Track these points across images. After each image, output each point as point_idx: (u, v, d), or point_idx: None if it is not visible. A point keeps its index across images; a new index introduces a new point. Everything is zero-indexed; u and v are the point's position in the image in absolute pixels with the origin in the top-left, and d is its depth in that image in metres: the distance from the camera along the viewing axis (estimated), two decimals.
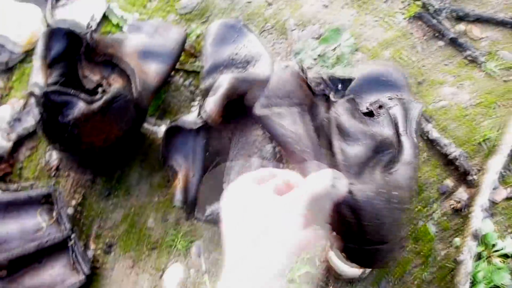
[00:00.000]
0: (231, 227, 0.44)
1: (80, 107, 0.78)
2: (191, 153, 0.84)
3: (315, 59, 1.07)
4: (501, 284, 0.88)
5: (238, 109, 0.84)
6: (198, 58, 1.07)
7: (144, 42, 0.95)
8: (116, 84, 0.86)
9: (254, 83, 0.84)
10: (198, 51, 1.07)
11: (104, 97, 0.80)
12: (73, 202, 0.92)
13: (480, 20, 1.20)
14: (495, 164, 0.98)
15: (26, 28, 1.08)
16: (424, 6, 1.21)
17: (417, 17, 1.18)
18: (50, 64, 0.82)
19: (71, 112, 0.76)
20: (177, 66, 1.05)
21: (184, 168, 0.83)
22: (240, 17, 1.11)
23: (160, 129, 0.98)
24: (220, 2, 1.12)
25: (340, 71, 1.06)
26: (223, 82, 0.84)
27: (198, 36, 1.08)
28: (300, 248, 0.43)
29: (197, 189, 0.82)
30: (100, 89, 0.84)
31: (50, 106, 0.77)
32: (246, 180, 0.46)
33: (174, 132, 0.85)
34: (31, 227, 0.88)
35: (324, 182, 0.45)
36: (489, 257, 0.91)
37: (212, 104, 0.81)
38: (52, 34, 0.83)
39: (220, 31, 0.96)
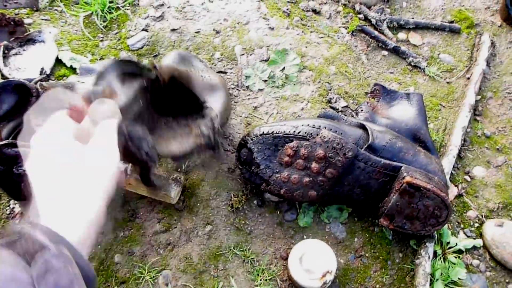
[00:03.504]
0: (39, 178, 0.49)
1: None
2: None
3: (265, 81, 1.11)
4: (458, 279, 0.93)
5: None
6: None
7: None
8: None
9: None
10: None
11: None
12: None
13: (419, 27, 1.27)
14: (445, 165, 1.03)
15: None
16: (365, 18, 1.26)
17: (360, 30, 1.24)
18: (1, 118, 0.85)
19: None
20: None
21: None
22: (190, 47, 1.15)
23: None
24: (169, 36, 1.16)
25: (289, 90, 1.11)
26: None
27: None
28: (108, 190, 0.51)
29: None
30: None
31: (5, 159, 0.80)
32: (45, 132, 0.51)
33: None
34: None
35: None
36: (444, 254, 0.95)
37: None
38: (1, 89, 0.85)
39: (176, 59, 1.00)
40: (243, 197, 0.98)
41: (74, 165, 0.49)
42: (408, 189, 0.84)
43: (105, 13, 1.18)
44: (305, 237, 0.96)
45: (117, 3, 1.20)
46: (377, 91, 1.07)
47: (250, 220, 0.97)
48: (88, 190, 0.48)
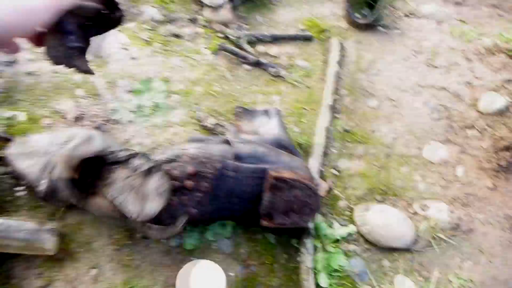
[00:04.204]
0: None
1: None
2: None
3: (133, 112, 1.11)
4: (339, 266, 1.01)
5: None
6: (12, 142, 1.04)
7: None
8: None
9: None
10: (12, 134, 1.05)
11: None
12: None
13: (276, 39, 1.36)
14: (313, 164, 1.12)
15: None
16: (225, 37, 1.32)
17: (221, 49, 1.29)
18: None
19: None
20: None
21: None
22: (50, 88, 1.11)
23: None
24: (24, 79, 1.11)
25: (159, 117, 1.12)
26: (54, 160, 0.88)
27: (8, 119, 1.06)
28: None
29: None
30: None
31: None
32: None
33: None
34: None
35: None
36: (324, 246, 1.03)
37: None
38: None
39: (19, 150, 0.97)
40: (126, 232, 0.97)
41: None
42: (276, 183, 0.90)
43: None
44: (192, 259, 0.97)
45: None
46: (240, 112, 1.13)
47: (136, 254, 0.96)
48: None
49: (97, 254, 0.95)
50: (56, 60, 0.67)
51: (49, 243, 0.92)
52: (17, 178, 1.00)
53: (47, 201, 0.96)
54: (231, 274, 0.97)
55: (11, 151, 0.94)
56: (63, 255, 0.94)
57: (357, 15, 1.41)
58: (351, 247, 1.05)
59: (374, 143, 1.20)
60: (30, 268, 0.93)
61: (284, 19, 1.41)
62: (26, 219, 0.97)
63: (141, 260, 0.96)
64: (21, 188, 1.01)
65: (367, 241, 1.07)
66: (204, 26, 1.33)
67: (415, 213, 1.12)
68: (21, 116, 1.08)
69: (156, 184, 0.89)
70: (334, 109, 1.25)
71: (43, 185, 0.91)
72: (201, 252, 0.99)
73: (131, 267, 0.95)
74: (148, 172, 0.90)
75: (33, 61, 1.15)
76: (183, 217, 0.92)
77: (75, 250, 0.95)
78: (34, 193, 0.98)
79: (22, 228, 0.91)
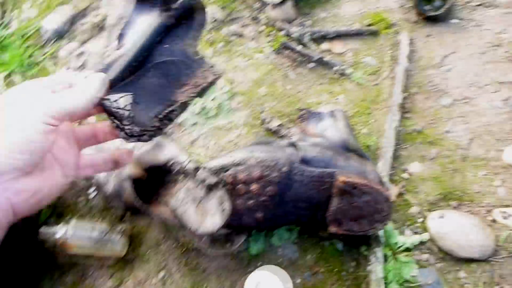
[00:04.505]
0: None
1: None
2: None
3: (197, 114, 1.12)
4: (410, 276, 0.96)
5: None
6: None
7: None
8: None
9: None
10: None
11: None
12: None
13: (340, 35, 1.30)
14: (382, 167, 1.07)
15: None
16: (288, 35, 1.29)
17: (284, 47, 1.26)
18: None
19: None
20: None
21: None
22: None
23: (63, 230, 0.97)
24: None
25: (222, 119, 1.11)
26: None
27: None
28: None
29: None
30: None
31: None
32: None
33: None
34: None
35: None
36: (395, 255, 0.98)
37: None
38: None
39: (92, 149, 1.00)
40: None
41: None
42: (346, 188, 0.87)
43: (25, 69, 1.15)
44: (259, 264, 0.96)
45: (36, 58, 1.18)
46: (304, 114, 1.10)
47: (202, 257, 0.97)
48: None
49: (165, 256, 0.96)
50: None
51: (120, 245, 0.94)
52: (88, 179, 1.04)
53: (113, 202, 0.98)
54: (297, 281, 0.95)
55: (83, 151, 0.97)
56: (132, 256, 0.96)
57: (427, 7, 1.32)
58: (424, 256, 0.99)
59: (447, 144, 1.13)
60: (102, 269, 0.96)
61: (349, 14, 1.35)
62: (98, 221, 1.01)
63: (207, 264, 0.96)
64: (92, 189, 1.04)
65: (441, 250, 1.00)
66: (266, 25, 1.30)
67: (495, 221, 1.03)
68: (92, 119, 1.11)
69: (219, 200, 0.88)
70: (403, 108, 1.18)
71: (110, 186, 0.94)
72: (266, 257, 0.97)
73: (198, 271, 0.95)
74: (212, 187, 0.90)
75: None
76: (241, 237, 0.92)
77: (144, 252, 0.96)
78: (102, 195, 1.01)
79: (94, 229, 0.94)
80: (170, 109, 0.53)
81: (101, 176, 0.96)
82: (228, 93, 1.14)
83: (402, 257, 0.97)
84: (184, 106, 0.55)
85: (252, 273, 0.90)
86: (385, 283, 0.94)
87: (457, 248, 0.98)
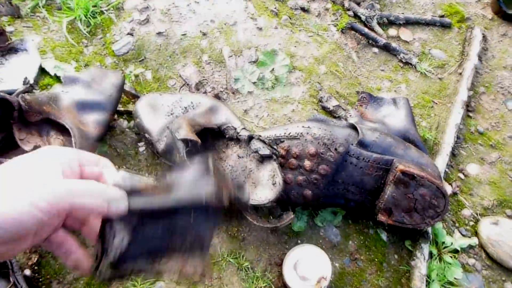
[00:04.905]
0: None
1: None
2: None
3: (254, 83, 1.09)
4: (454, 279, 0.92)
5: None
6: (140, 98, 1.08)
7: (80, 93, 0.96)
8: (55, 142, 0.87)
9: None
10: (139, 90, 1.08)
11: None
12: (30, 263, 0.93)
13: (409, 22, 1.25)
14: (439, 164, 1.02)
15: None
16: (355, 15, 1.24)
17: (349, 28, 1.22)
18: None
19: None
20: (120, 108, 1.06)
21: None
22: (177, 51, 1.12)
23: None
24: (154, 39, 1.13)
25: (279, 92, 1.09)
26: (180, 122, 0.89)
27: (136, 76, 1.10)
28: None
29: None
30: None
31: None
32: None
33: None
34: None
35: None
36: (440, 254, 0.94)
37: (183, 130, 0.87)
38: None
39: (147, 105, 0.98)
40: None
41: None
42: (403, 178, 0.84)
43: (89, 18, 1.15)
44: (299, 242, 0.94)
45: (101, 7, 1.18)
46: (364, 98, 1.06)
47: (243, 226, 0.96)
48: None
49: None
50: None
51: None
52: (139, 133, 1.04)
53: (163, 159, 0.98)
54: (336, 264, 0.93)
55: (140, 105, 0.97)
56: None
57: (507, 4, 1.24)
58: (471, 261, 0.95)
59: (510, 150, 1.07)
60: None
61: (421, 2, 1.29)
62: (145, 175, 1.01)
63: (247, 234, 0.95)
64: (142, 143, 1.04)
65: (490, 257, 0.96)
66: (334, 2, 1.26)
67: None
68: (148, 74, 1.11)
69: (270, 173, 0.86)
70: (467, 107, 1.13)
71: (162, 143, 0.93)
72: (307, 236, 0.95)
73: (237, 239, 0.94)
74: (264, 159, 0.88)
75: (163, 22, 1.17)
76: (290, 214, 0.89)
77: None
78: (153, 149, 1.01)
79: (141, 182, 0.94)
80: (149, 267, 0.49)
81: (154, 132, 0.95)
82: (287, 66, 1.11)
83: (448, 257, 0.93)
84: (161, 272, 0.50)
85: (294, 248, 0.88)
86: (427, 281, 0.90)
87: (508, 258, 0.94)
